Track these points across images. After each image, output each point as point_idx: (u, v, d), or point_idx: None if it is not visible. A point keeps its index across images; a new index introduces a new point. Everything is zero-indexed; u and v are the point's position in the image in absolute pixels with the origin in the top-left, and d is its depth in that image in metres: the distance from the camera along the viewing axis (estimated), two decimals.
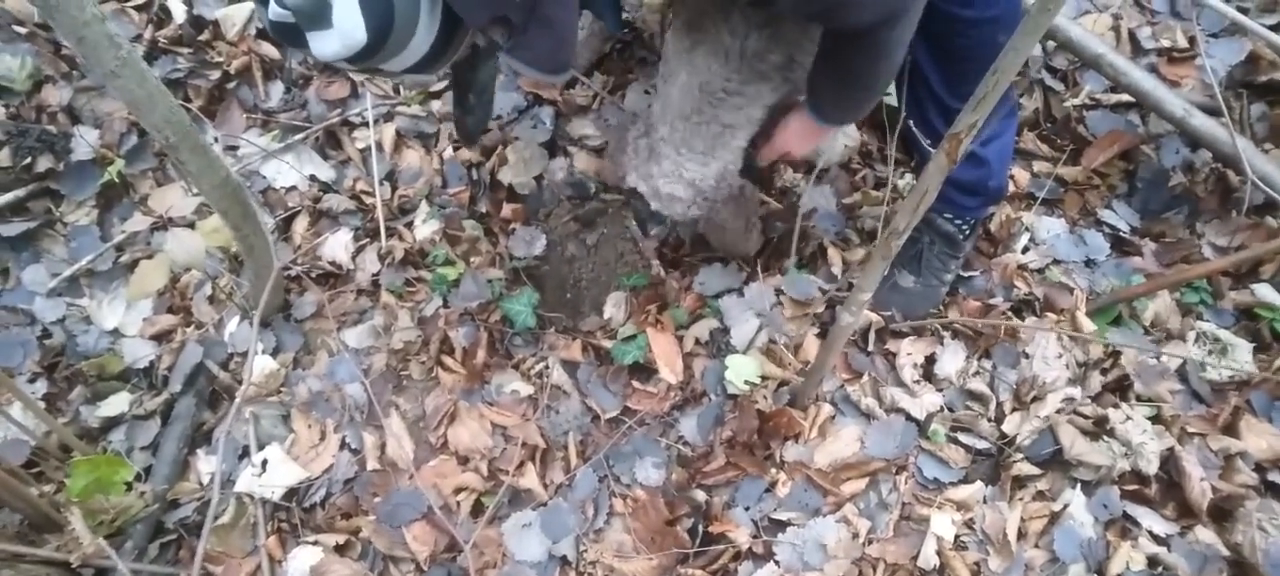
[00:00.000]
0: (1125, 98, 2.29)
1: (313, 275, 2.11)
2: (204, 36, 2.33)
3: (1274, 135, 2.21)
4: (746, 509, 1.80)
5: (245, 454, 1.87)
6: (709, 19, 1.57)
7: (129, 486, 1.76)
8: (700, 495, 1.82)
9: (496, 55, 1.35)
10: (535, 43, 1.27)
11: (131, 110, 1.47)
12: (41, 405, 1.89)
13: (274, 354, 2.01)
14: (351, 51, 1.10)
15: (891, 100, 2.20)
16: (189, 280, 2.10)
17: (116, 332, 2.05)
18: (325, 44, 1.09)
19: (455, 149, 2.29)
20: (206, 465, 1.88)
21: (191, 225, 2.14)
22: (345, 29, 1.07)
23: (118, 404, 1.94)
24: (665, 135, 1.70)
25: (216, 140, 2.23)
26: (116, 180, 2.14)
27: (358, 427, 1.91)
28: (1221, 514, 1.76)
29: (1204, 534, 1.72)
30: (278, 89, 2.36)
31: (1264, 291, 2.02)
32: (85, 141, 2.14)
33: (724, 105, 1.63)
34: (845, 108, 1.66)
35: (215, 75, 2.30)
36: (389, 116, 2.33)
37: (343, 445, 1.90)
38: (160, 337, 2.04)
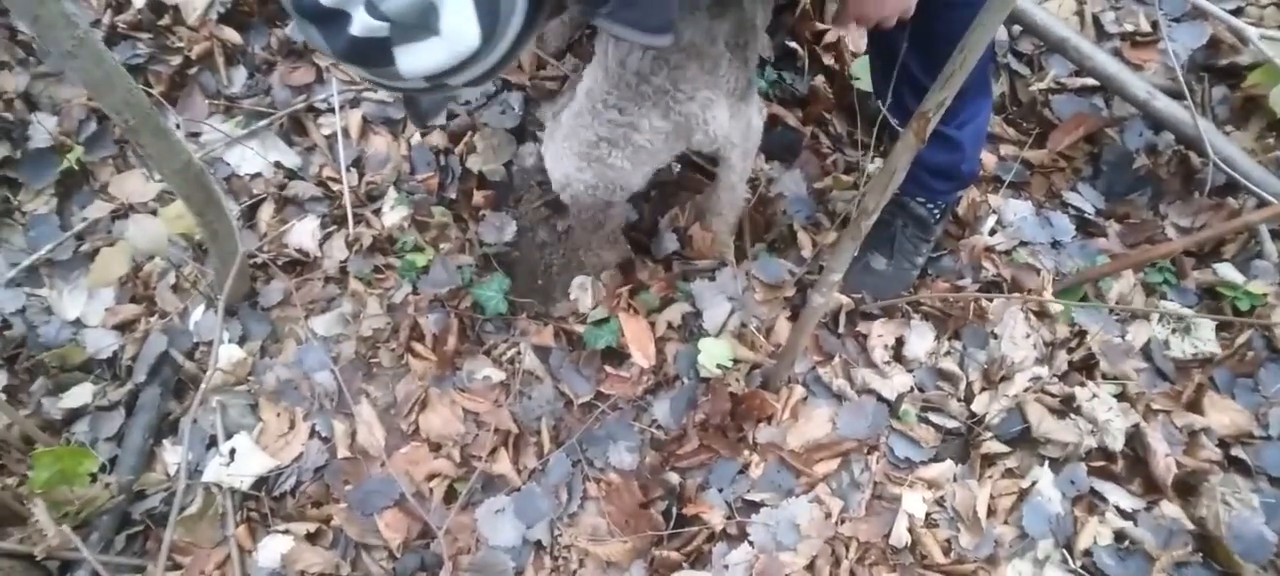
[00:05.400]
0: (1089, 81, 2.32)
1: (279, 262, 2.08)
2: (164, 21, 2.28)
3: (1235, 117, 2.25)
4: (720, 490, 1.80)
5: (212, 443, 1.84)
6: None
7: (94, 478, 1.73)
8: (674, 478, 1.82)
9: None
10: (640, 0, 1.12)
11: (90, 93, 1.44)
12: (3, 397, 1.85)
13: (241, 342, 1.98)
14: (457, 60, 0.94)
15: (862, 84, 2.23)
16: (152, 268, 2.06)
17: (78, 323, 2.01)
18: (423, 57, 0.92)
19: (423, 135, 2.27)
20: (173, 455, 1.85)
21: (154, 212, 2.10)
22: (455, 33, 0.91)
23: (81, 395, 1.90)
24: (564, 122, 1.67)
25: (178, 126, 2.19)
26: (76, 167, 2.10)
27: (327, 415, 1.89)
28: (1186, 488, 1.79)
29: (1169, 508, 1.75)
30: (241, 74, 2.32)
31: (1226, 270, 2.05)
32: (43, 128, 2.10)
33: (600, 117, 1.60)
34: None
35: (176, 60, 2.26)
36: (355, 102, 2.30)
37: (312, 433, 1.88)
38: (123, 327, 2.00)
